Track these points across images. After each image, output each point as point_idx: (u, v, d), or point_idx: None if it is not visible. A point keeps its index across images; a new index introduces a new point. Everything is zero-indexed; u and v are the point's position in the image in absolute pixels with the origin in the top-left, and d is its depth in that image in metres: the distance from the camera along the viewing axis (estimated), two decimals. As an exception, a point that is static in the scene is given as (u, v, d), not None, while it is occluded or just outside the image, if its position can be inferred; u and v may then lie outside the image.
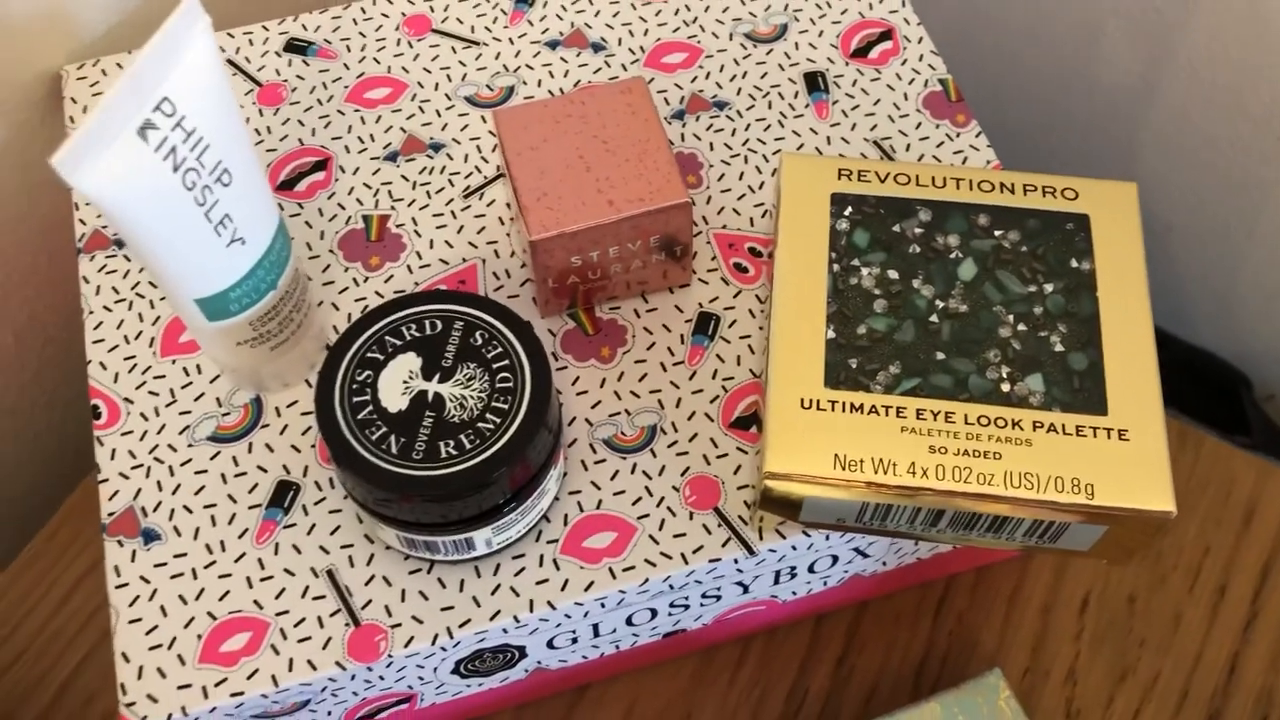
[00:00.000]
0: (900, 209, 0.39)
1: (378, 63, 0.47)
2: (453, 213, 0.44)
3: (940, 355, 0.36)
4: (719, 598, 0.40)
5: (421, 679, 0.38)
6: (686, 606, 0.40)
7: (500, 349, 0.35)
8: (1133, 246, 0.38)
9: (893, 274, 0.38)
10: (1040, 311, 0.37)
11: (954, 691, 0.42)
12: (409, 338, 0.35)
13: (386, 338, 0.35)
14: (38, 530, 0.50)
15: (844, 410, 0.35)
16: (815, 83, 0.46)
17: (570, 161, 0.39)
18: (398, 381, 0.34)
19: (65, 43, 0.47)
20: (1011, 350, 0.37)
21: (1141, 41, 0.56)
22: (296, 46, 0.48)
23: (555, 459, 0.36)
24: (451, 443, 0.33)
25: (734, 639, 0.46)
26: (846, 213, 0.39)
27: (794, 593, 0.42)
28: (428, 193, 0.44)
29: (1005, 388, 0.36)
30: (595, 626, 0.39)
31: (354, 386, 0.34)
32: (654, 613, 0.39)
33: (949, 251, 0.38)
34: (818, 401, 0.36)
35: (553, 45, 0.47)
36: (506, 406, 0.34)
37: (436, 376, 0.34)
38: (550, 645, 0.39)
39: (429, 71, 0.47)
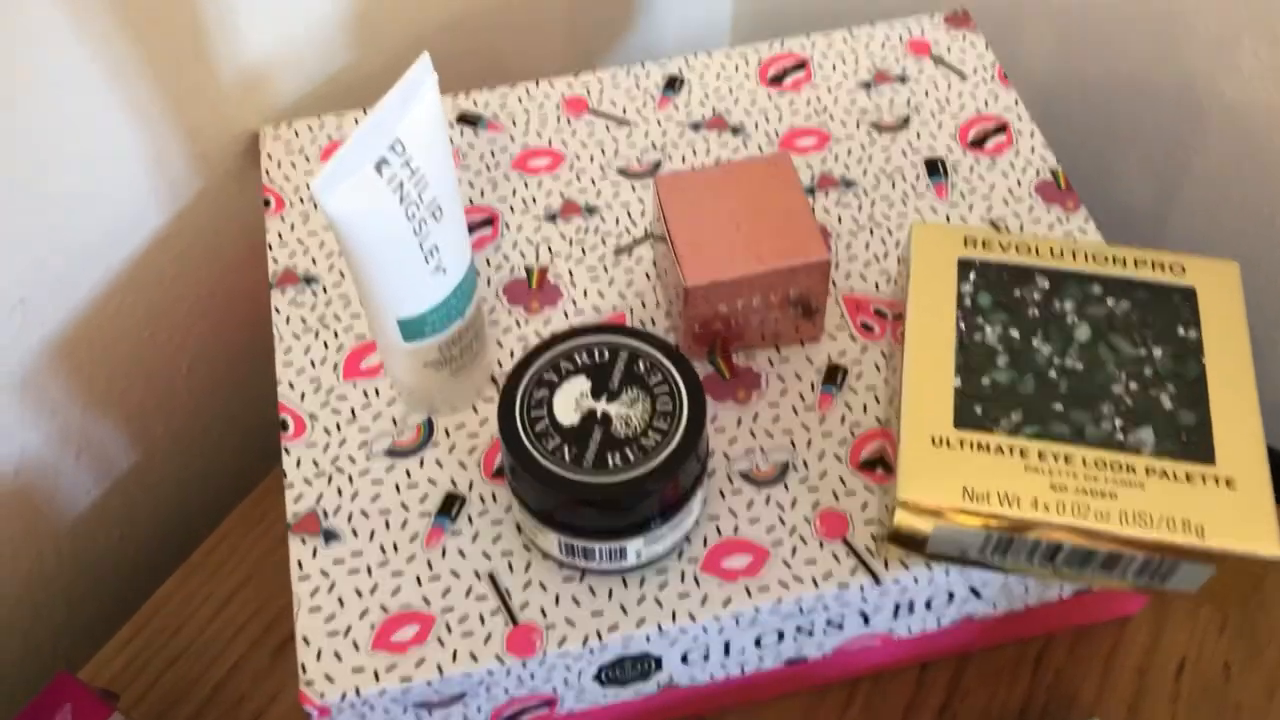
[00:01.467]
0: (1021, 276, 0.43)
1: (540, 136, 0.52)
2: (604, 267, 0.48)
3: (1058, 406, 0.40)
4: (841, 626, 0.43)
5: (566, 682, 0.41)
6: (811, 633, 0.43)
7: (660, 376, 0.39)
8: (1236, 318, 0.42)
9: (1014, 333, 0.42)
10: (1150, 372, 0.41)
11: (1056, 739, 0.44)
12: (580, 363, 0.39)
13: (561, 362, 0.39)
14: (195, 547, 0.54)
15: (972, 449, 0.39)
16: (935, 168, 0.51)
17: (722, 221, 0.43)
18: (570, 400, 0.38)
19: (263, 107, 0.53)
20: (1124, 405, 0.40)
21: (1236, 137, 0.60)
22: (469, 119, 0.53)
23: (701, 482, 0.40)
24: (618, 454, 0.37)
25: (845, 680, 0.48)
26: (971, 277, 0.43)
27: (909, 629, 0.45)
28: (582, 249, 0.49)
29: (1119, 437, 0.39)
30: (727, 644, 0.42)
31: (532, 402, 0.38)
32: (781, 636, 0.42)
33: (1065, 316, 0.42)
34: (947, 440, 0.39)
35: (696, 127, 0.53)
36: (666, 426, 0.38)
37: (604, 397, 0.39)
38: (684, 660, 0.42)
39: (585, 145, 0.52)
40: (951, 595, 0.43)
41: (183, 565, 0.53)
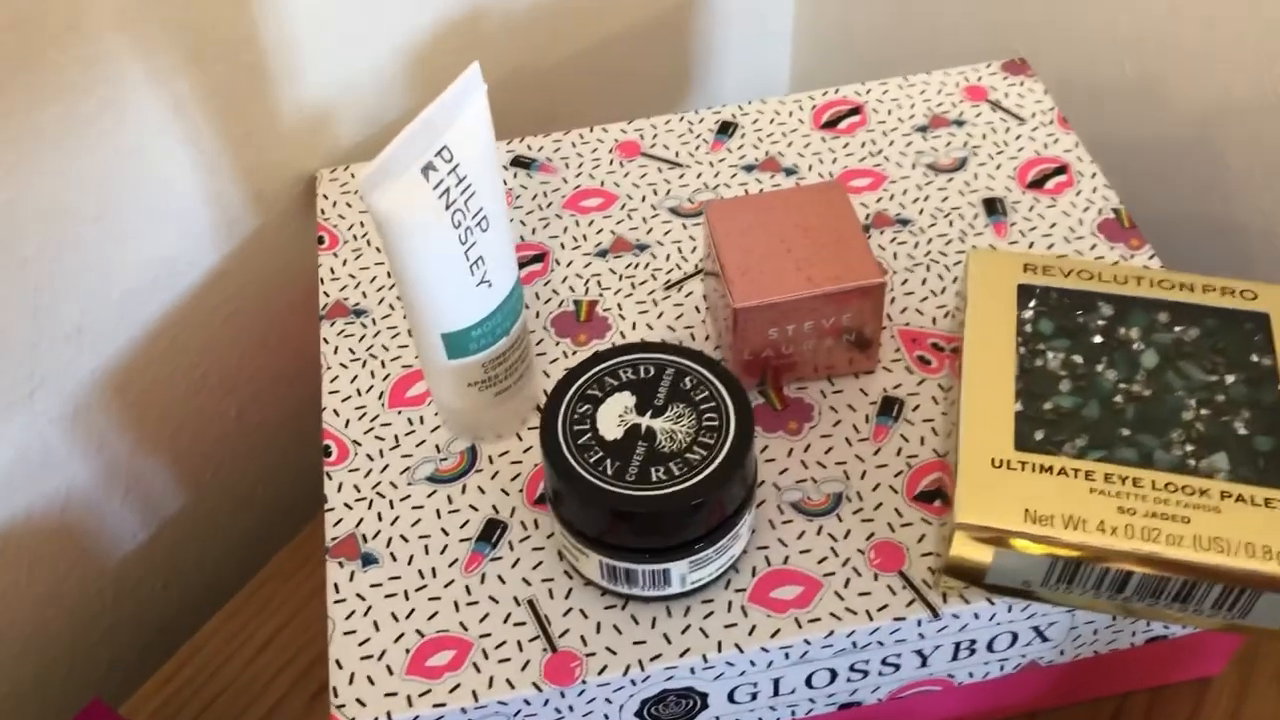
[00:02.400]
0: (1083, 302, 0.41)
1: (592, 178, 0.53)
2: (654, 301, 0.48)
3: (1125, 431, 0.38)
4: (898, 667, 0.41)
5: (606, 716, 0.39)
6: (865, 674, 0.41)
7: (706, 393, 0.38)
8: (1314, 345, 0.40)
9: (1077, 358, 0.40)
10: (1222, 399, 0.39)
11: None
12: (624, 379, 0.38)
13: (605, 378, 0.38)
14: (237, 589, 0.54)
15: (1034, 470, 0.37)
16: (994, 207, 0.50)
17: (773, 245, 0.43)
18: (614, 415, 0.37)
19: (322, 150, 0.54)
20: (1195, 431, 0.38)
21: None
22: (522, 162, 0.53)
23: (748, 506, 0.38)
24: (662, 469, 0.36)
25: (902, 735, 0.46)
26: (1031, 303, 0.41)
27: (970, 674, 0.42)
28: (632, 284, 0.48)
29: (1191, 463, 0.37)
30: (776, 682, 0.40)
31: (575, 416, 0.38)
32: (833, 675, 0.40)
33: (1131, 342, 0.40)
34: (1008, 461, 0.37)
35: (748, 169, 0.52)
36: (712, 441, 0.37)
37: (649, 413, 0.38)
38: (731, 698, 0.40)
39: (637, 186, 0.52)
40: (1015, 636, 0.41)
41: (224, 606, 0.52)
